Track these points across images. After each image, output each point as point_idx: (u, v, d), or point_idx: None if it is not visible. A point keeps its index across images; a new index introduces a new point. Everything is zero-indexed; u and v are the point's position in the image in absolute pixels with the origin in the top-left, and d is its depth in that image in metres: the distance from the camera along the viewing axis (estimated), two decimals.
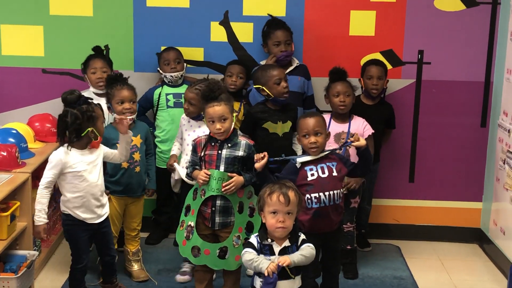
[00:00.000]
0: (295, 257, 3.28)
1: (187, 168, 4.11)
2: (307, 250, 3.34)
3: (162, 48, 5.00)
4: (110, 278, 4.27)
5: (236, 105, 4.69)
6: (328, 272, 4.02)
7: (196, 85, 4.37)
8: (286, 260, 3.23)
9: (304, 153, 3.97)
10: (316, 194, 3.82)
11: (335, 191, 3.85)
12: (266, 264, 3.24)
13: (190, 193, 4.06)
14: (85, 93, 4.68)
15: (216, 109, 3.89)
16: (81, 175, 3.89)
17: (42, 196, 3.88)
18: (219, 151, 3.95)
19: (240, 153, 3.95)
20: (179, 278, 4.52)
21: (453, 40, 5.08)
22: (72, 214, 3.95)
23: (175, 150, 4.62)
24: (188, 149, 4.33)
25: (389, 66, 5.06)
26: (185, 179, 4.34)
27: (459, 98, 5.16)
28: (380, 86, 4.81)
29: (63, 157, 3.87)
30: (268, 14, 4.98)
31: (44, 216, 3.87)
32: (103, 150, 4.07)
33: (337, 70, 4.62)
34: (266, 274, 3.20)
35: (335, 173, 3.86)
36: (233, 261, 3.97)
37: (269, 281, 3.21)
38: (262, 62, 4.93)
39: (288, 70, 4.82)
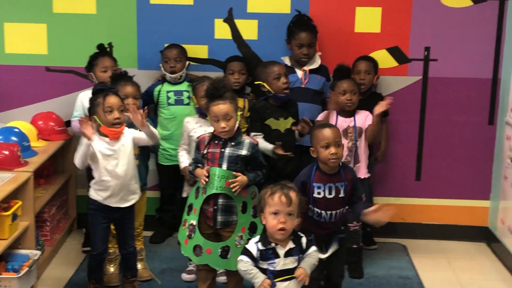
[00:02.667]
0: (309, 268, 3.32)
1: (189, 166, 4.08)
2: (316, 256, 3.38)
3: (166, 45, 4.96)
4: (125, 272, 4.27)
5: (240, 102, 4.65)
6: (331, 274, 3.97)
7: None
8: (305, 277, 3.29)
9: None
10: (318, 210, 3.78)
11: (338, 211, 3.81)
12: (260, 279, 3.26)
13: (193, 192, 4.03)
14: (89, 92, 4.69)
15: (221, 107, 3.85)
16: (101, 161, 3.95)
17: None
18: (222, 149, 3.91)
19: (244, 152, 3.91)
20: (185, 277, 4.50)
21: (460, 36, 5.02)
22: (95, 198, 4.03)
23: (184, 162, 4.48)
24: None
25: (395, 63, 5.02)
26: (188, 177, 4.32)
27: (466, 95, 5.11)
28: (367, 81, 4.77)
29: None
30: (295, 10, 4.93)
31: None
32: (131, 137, 4.05)
33: (342, 68, 4.58)
34: None
35: (341, 194, 3.79)
36: (235, 261, 3.91)
37: None
38: (283, 59, 4.88)
39: (310, 67, 4.81)
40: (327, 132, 3.76)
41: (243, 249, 3.40)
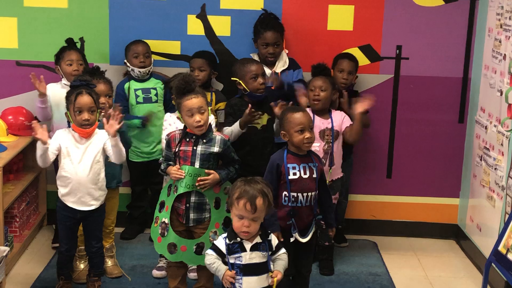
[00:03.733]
0: (282, 271, 3.40)
1: (160, 164, 4.05)
2: (286, 259, 3.43)
3: (132, 41, 4.91)
4: (89, 270, 4.24)
5: (207, 96, 4.67)
6: (299, 272, 3.99)
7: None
8: (279, 276, 3.36)
9: None
10: (294, 194, 3.80)
11: (313, 193, 3.83)
12: (222, 271, 3.32)
13: (165, 189, 4.01)
14: (57, 85, 4.65)
15: (194, 101, 3.82)
16: (64, 156, 3.94)
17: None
18: (194, 147, 3.89)
19: (216, 149, 3.90)
20: (156, 273, 4.49)
21: (432, 35, 5.06)
22: (58, 194, 4.01)
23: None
24: None
25: (367, 61, 5.05)
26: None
27: (437, 94, 5.15)
28: (350, 80, 4.80)
29: (59, 132, 3.98)
30: (261, 9, 4.92)
31: None
32: (102, 141, 4.01)
33: (320, 66, 4.57)
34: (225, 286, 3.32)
35: (315, 175, 3.84)
36: None
37: None
38: (252, 55, 4.88)
39: (281, 69, 4.82)
40: (301, 116, 3.81)
41: (211, 244, 3.43)
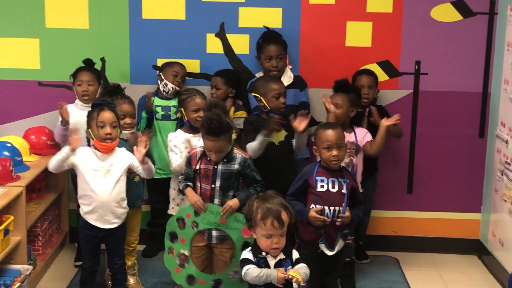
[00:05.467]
0: (304, 274, 3.31)
1: (179, 183, 4.08)
2: (307, 270, 3.36)
3: (159, 60, 5.00)
4: (112, 286, 4.30)
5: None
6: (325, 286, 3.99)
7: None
8: (298, 277, 3.26)
9: None
10: (321, 207, 3.81)
11: (340, 208, 3.84)
12: (274, 274, 3.25)
13: (174, 221, 4.04)
14: (71, 106, 4.72)
15: (216, 144, 3.86)
16: (86, 175, 3.98)
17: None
18: (215, 166, 3.93)
19: (236, 166, 3.93)
20: None
21: (450, 50, 5.06)
22: (80, 212, 4.07)
23: (176, 159, 4.44)
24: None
25: (386, 77, 5.06)
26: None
27: (456, 109, 5.14)
28: (371, 95, 4.81)
29: (82, 150, 4.02)
30: (263, 26, 4.96)
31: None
32: (128, 162, 4.08)
33: (342, 82, 4.59)
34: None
35: (344, 190, 3.85)
36: None
37: None
38: (258, 74, 4.91)
39: (286, 84, 4.79)
40: (330, 133, 3.85)
41: (242, 260, 3.38)
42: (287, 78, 4.87)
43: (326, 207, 3.81)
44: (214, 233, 3.95)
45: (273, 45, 4.81)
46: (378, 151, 4.50)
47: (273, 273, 3.26)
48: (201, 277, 3.94)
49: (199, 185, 3.99)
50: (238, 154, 3.98)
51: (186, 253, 3.96)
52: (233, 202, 3.90)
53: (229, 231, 3.93)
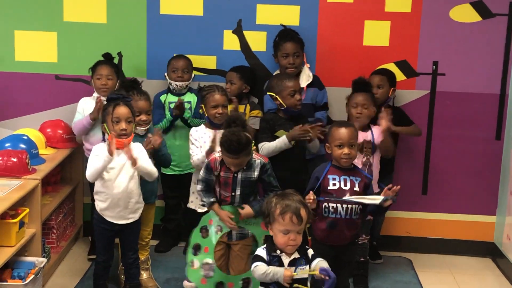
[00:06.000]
0: (323, 267, 3.29)
1: (201, 191, 4.04)
2: (325, 263, 3.34)
3: (174, 55, 4.99)
4: (125, 280, 4.31)
5: (241, 108, 4.79)
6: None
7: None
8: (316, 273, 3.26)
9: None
10: (334, 205, 3.81)
11: (353, 206, 3.83)
12: (281, 273, 3.24)
13: (197, 232, 4.03)
14: (89, 99, 4.75)
15: (236, 161, 3.86)
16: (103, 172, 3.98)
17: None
18: (235, 174, 3.92)
19: (255, 174, 3.93)
20: (187, 284, 4.48)
21: (468, 51, 5.03)
22: (96, 208, 4.07)
23: (198, 153, 4.45)
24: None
25: (403, 77, 5.03)
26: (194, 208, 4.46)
27: (473, 110, 5.11)
28: (380, 95, 4.76)
29: (99, 147, 4.01)
30: (280, 24, 4.95)
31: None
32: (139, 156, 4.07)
33: (360, 81, 4.57)
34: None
35: (356, 188, 3.84)
36: None
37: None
38: (275, 73, 4.91)
39: (306, 83, 4.81)
40: (343, 132, 3.86)
41: (254, 256, 3.38)
42: (306, 77, 4.85)
43: (339, 205, 3.81)
44: (234, 231, 3.96)
45: (290, 42, 4.81)
46: (385, 153, 4.49)
47: (280, 272, 3.25)
48: (229, 281, 3.94)
49: (218, 190, 3.99)
50: (257, 159, 3.95)
51: (210, 261, 3.95)
52: (246, 211, 3.92)
53: (248, 226, 3.95)
